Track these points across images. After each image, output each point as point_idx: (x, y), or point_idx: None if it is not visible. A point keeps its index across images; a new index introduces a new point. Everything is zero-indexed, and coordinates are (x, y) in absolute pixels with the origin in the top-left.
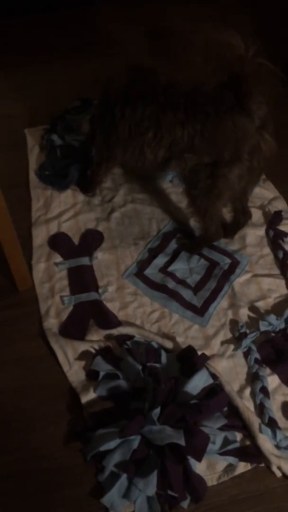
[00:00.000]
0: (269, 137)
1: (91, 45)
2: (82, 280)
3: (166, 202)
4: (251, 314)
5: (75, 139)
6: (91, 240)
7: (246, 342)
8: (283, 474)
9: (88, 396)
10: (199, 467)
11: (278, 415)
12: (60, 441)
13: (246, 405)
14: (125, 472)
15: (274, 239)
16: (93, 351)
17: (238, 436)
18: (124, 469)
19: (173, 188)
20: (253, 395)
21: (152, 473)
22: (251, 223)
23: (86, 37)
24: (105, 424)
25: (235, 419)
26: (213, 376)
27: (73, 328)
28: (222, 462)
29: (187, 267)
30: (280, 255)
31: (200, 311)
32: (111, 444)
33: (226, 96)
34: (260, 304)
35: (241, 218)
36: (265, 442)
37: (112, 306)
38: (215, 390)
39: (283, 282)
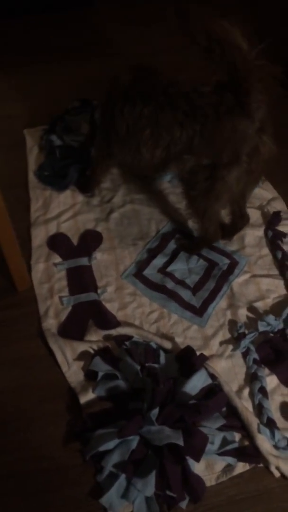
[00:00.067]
0: (268, 140)
1: (91, 45)
2: (81, 280)
3: (165, 202)
4: (250, 315)
5: (74, 140)
6: (90, 241)
7: (245, 342)
8: (282, 474)
9: (87, 397)
10: (197, 468)
11: (276, 415)
12: (59, 441)
13: (245, 405)
14: (123, 472)
15: (273, 240)
16: (92, 351)
17: (237, 436)
18: (123, 470)
19: (172, 188)
20: (251, 395)
21: (151, 474)
22: (250, 224)
23: (86, 37)
24: (104, 425)
25: (234, 419)
26: (212, 376)
27: (72, 329)
28: (221, 462)
29: (186, 268)
30: (279, 255)
31: (199, 311)
32: (110, 445)
33: (226, 97)
34: (259, 305)
35: (239, 221)
36: (264, 442)
37: (111, 307)
38: (214, 390)
39: (281, 282)
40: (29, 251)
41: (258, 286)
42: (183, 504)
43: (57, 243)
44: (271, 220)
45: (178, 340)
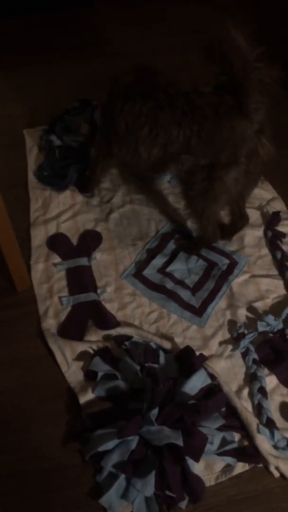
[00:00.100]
0: (267, 141)
1: (91, 45)
2: (80, 280)
3: (164, 203)
4: (249, 315)
5: (74, 140)
6: (90, 241)
7: (244, 342)
8: (281, 474)
9: (87, 397)
10: (197, 468)
11: (276, 416)
12: (58, 442)
13: (244, 405)
14: (123, 472)
15: (272, 240)
16: (91, 351)
17: (236, 436)
18: (122, 470)
19: (171, 189)
20: (251, 395)
21: (150, 474)
22: (249, 224)
23: (86, 37)
24: (104, 425)
25: (233, 419)
26: (211, 376)
27: (72, 329)
28: (220, 463)
29: (185, 268)
30: (278, 255)
31: (199, 311)
32: (109, 445)
33: (225, 98)
34: (258, 305)
35: (238, 221)
36: (263, 442)
37: (111, 307)
38: (213, 390)
39: (281, 282)
40: (28, 251)
41: (257, 286)
42: (183, 504)
43: (56, 243)
44: (271, 220)
45: (178, 340)
